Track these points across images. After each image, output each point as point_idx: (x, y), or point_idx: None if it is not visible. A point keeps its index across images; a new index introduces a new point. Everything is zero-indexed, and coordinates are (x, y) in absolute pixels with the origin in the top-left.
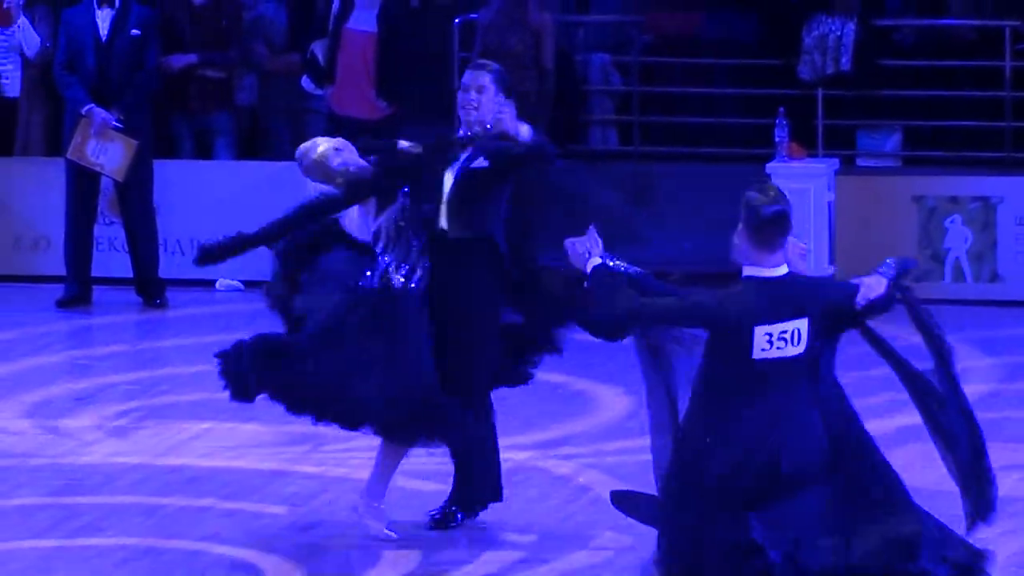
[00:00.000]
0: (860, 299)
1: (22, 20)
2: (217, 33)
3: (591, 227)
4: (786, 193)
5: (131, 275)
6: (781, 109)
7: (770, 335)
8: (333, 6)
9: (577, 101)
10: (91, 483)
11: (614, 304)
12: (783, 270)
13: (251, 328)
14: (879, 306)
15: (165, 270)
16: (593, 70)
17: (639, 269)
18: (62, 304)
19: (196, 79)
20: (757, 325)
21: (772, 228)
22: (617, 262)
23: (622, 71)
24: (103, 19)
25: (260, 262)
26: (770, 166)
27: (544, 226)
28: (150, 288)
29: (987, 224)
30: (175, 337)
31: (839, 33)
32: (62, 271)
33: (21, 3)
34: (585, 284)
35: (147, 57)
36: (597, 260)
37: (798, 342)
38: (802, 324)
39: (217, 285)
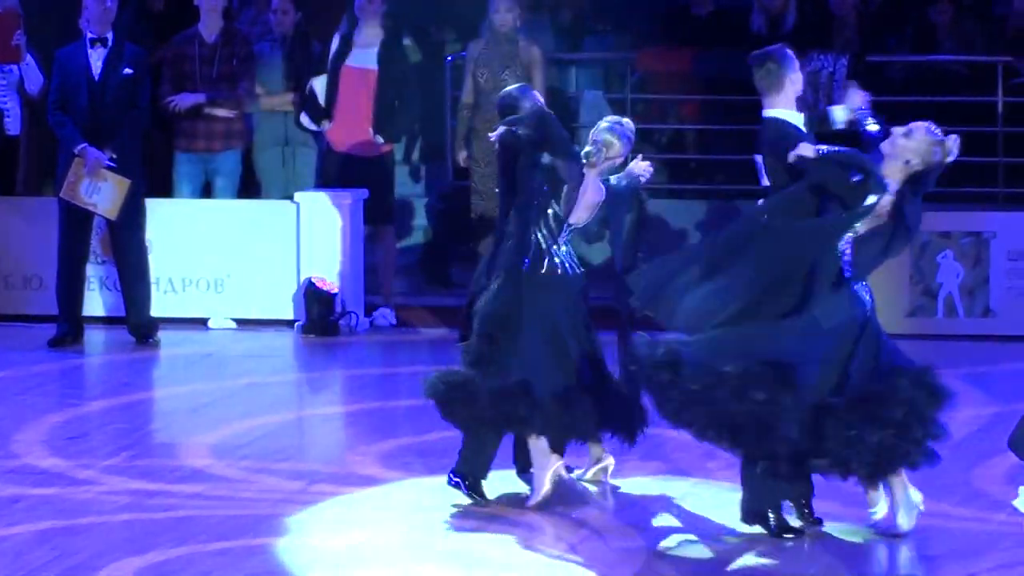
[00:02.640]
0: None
1: (29, 57)
2: (227, 71)
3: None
4: None
5: (123, 314)
6: None
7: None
8: (332, 44)
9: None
10: (84, 522)
11: None
12: None
13: (243, 367)
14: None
15: (158, 309)
16: (586, 107)
17: None
18: (54, 343)
19: (204, 117)
20: None
21: None
22: None
23: (615, 108)
24: (96, 58)
25: (252, 302)
26: (763, 201)
27: None
28: (142, 327)
29: (979, 259)
30: (167, 376)
31: (831, 69)
32: (54, 310)
33: (24, 40)
34: None
35: (139, 96)
36: None
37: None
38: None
39: (210, 324)
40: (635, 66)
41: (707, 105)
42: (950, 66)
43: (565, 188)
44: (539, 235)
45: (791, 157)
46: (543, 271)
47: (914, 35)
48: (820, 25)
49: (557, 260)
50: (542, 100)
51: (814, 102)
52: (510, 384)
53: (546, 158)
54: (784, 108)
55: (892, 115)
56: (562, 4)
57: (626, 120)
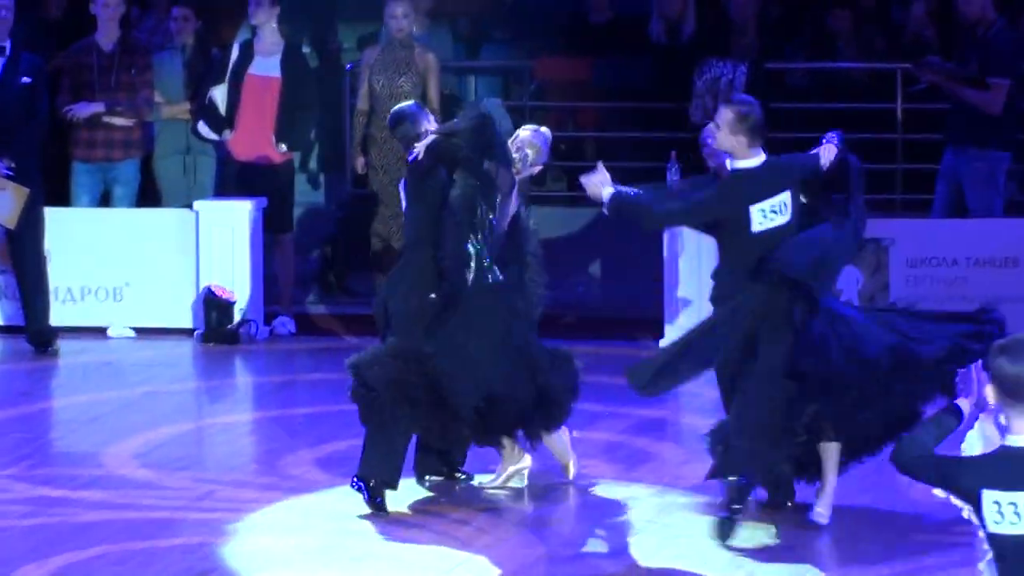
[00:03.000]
0: (823, 163)
1: None
2: (126, 80)
3: (599, 163)
4: None
5: (23, 323)
6: (673, 152)
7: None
8: (232, 53)
9: None
10: None
11: (648, 215)
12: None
13: (142, 375)
14: (835, 165)
15: (57, 318)
16: None
17: (641, 191)
18: None
19: (103, 126)
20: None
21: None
22: (626, 188)
23: (513, 115)
24: None
25: (151, 311)
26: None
27: None
28: (42, 336)
29: (879, 266)
30: (67, 385)
31: (731, 76)
32: None
33: None
34: (604, 209)
35: (37, 105)
36: (611, 189)
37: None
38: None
39: (109, 333)
40: (533, 74)
41: (605, 112)
42: (850, 73)
43: (499, 197)
44: (474, 245)
45: (826, 162)
46: (489, 280)
47: (813, 42)
48: (719, 32)
49: (496, 269)
50: (437, 105)
51: (714, 109)
52: (496, 395)
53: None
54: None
55: (793, 122)
56: (461, 12)
57: (544, 128)
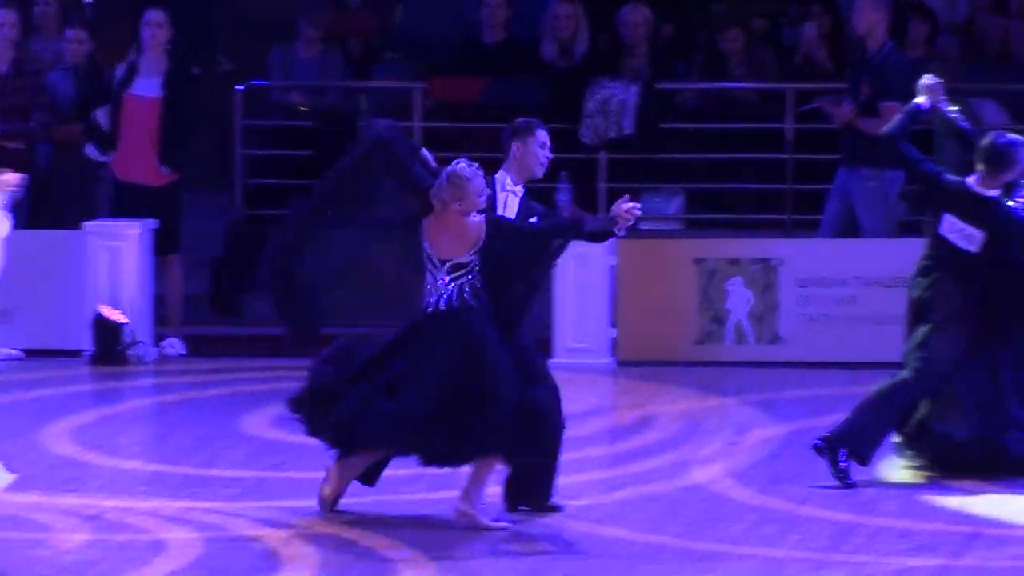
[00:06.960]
0: None
1: None
2: (19, 104)
3: None
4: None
5: None
6: (564, 173)
7: None
8: (117, 72)
9: None
10: None
11: None
12: None
13: (31, 396)
14: None
15: None
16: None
17: None
18: None
19: None
20: None
21: None
22: None
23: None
24: None
25: (41, 332)
26: None
27: None
28: None
29: (768, 286)
30: None
31: (622, 97)
32: None
33: None
34: None
35: None
36: None
37: None
38: None
39: None
40: (426, 94)
41: (498, 133)
42: (740, 93)
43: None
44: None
45: None
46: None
47: (705, 63)
48: (611, 53)
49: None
50: None
51: (604, 129)
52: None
53: None
54: None
55: (684, 142)
56: (351, 33)
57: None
